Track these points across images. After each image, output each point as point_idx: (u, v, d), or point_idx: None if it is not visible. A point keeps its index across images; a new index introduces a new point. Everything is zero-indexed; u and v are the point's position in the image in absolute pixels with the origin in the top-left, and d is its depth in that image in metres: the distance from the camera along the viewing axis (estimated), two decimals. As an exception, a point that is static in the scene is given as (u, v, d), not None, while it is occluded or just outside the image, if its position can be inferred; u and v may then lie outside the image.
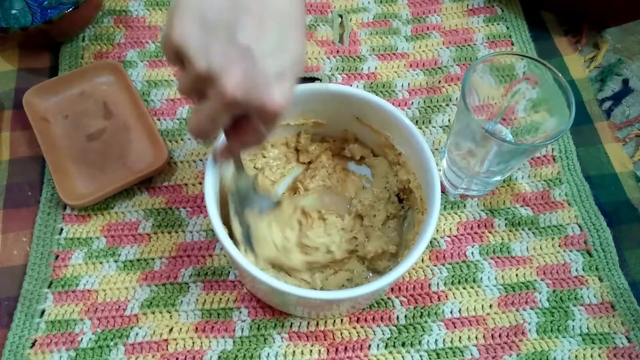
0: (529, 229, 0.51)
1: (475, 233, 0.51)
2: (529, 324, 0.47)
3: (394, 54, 0.61)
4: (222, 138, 0.42)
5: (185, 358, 0.45)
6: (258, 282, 0.37)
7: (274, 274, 0.45)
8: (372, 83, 0.59)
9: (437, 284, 0.48)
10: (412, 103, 0.58)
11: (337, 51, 0.61)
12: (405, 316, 0.47)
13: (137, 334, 0.45)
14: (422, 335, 0.46)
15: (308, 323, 0.46)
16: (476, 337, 0.46)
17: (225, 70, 0.30)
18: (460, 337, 0.46)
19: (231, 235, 0.42)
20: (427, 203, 0.42)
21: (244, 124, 0.35)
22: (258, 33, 0.30)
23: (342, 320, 0.47)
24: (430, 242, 0.50)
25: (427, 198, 0.42)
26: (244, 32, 0.30)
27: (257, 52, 0.30)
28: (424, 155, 0.43)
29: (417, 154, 0.44)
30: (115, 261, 0.49)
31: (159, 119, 0.56)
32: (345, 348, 0.46)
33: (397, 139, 0.46)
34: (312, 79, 0.59)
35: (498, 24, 0.63)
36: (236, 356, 0.45)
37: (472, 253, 0.50)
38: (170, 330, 0.46)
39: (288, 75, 0.32)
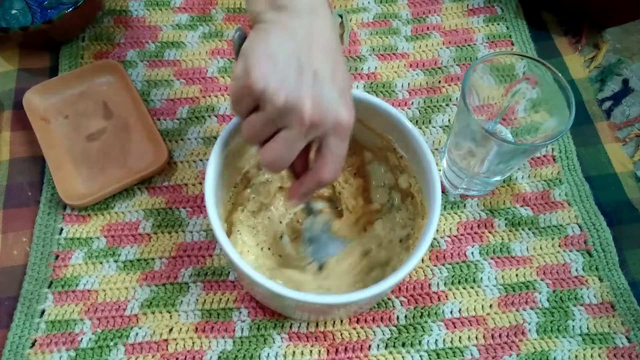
0: (529, 229, 0.51)
1: (475, 233, 0.51)
2: (529, 324, 0.47)
3: (394, 54, 0.61)
4: (225, 131, 0.42)
5: (185, 358, 0.45)
6: (256, 284, 0.37)
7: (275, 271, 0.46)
8: (372, 83, 0.59)
9: (437, 284, 0.48)
10: (412, 103, 0.58)
11: (337, 51, 0.61)
12: (406, 316, 0.47)
13: (137, 334, 0.45)
14: (422, 336, 0.46)
15: (308, 324, 0.46)
16: (476, 337, 0.46)
17: (303, 97, 0.33)
18: (460, 337, 0.46)
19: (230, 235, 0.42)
20: (428, 207, 0.42)
21: (320, 157, 0.37)
22: (319, 59, 0.34)
23: (342, 321, 0.47)
24: (430, 242, 0.50)
25: (427, 202, 0.42)
26: (309, 61, 0.34)
27: (323, 76, 0.34)
28: (425, 159, 0.42)
29: (419, 157, 0.43)
30: (115, 261, 0.49)
31: (159, 119, 0.56)
32: (346, 349, 0.46)
33: (398, 142, 0.46)
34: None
35: (498, 24, 0.63)
36: (236, 356, 0.45)
37: (472, 253, 0.50)
38: (170, 330, 0.46)
39: (347, 92, 0.36)
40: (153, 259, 0.49)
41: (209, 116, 0.56)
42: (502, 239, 0.51)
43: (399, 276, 0.38)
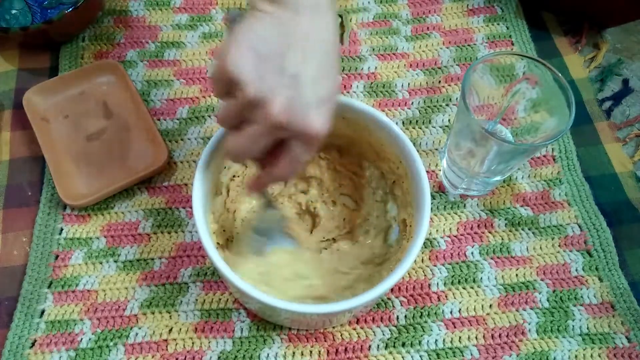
0: (529, 229, 0.51)
1: (475, 233, 0.51)
2: (529, 324, 0.47)
3: (394, 54, 0.61)
4: (213, 140, 0.42)
5: (185, 358, 0.45)
6: (247, 296, 0.37)
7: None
8: (372, 83, 0.59)
9: (437, 284, 0.48)
10: (412, 103, 0.58)
11: (337, 51, 0.61)
12: (405, 316, 0.47)
13: (136, 334, 0.45)
14: (422, 336, 0.46)
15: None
16: (476, 337, 0.46)
17: (273, 96, 0.32)
18: (460, 337, 0.46)
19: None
20: (414, 231, 0.41)
21: (281, 153, 0.36)
22: (303, 62, 0.33)
23: (342, 320, 0.47)
24: (430, 242, 0.50)
25: (415, 226, 0.42)
26: (291, 62, 0.33)
27: (303, 80, 0.33)
28: (407, 148, 0.43)
29: (409, 163, 0.43)
30: (115, 261, 0.49)
31: (159, 119, 0.56)
32: (346, 349, 0.45)
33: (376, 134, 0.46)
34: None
35: (498, 24, 0.63)
36: (235, 357, 0.45)
37: (472, 253, 0.50)
38: (170, 330, 0.46)
39: (327, 102, 0.35)
40: (153, 259, 0.49)
41: (209, 116, 0.56)
42: (502, 239, 0.51)
43: (381, 289, 0.38)
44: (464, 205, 0.52)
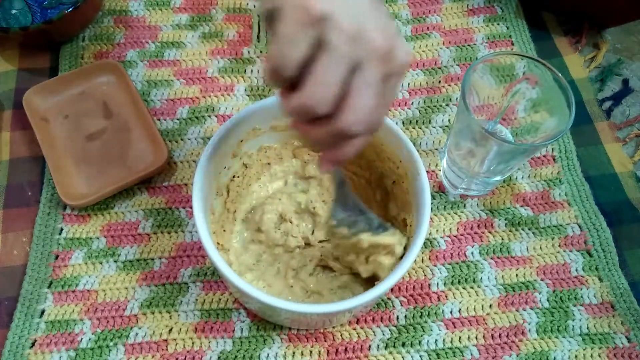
0: (529, 229, 0.51)
1: (475, 233, 0.51)
2: (529, 324, 0.47)
3: (394, 54, 0.61)
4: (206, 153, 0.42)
5: (185, 358, 0.45)
6: (247, 296, 0.37)
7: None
8: (372, 83, 0.59)
9: (437, 284, 0.48)
10: (412, 103, 0.58)
11: (337, 51, 0.61)
12: (405, 316, 0.47)
13: (136, 334, 0.45)
14: (422, 336, 0.46)
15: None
16: (476, 337, 0.46)
17: (369, 28, 0.29)
18: (460, 337, 0.46)
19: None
20: (414, 231, 0.41)
21: (358, 91, 0.30)
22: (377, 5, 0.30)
23: (342, 320, 0.47)
24: (430, 242, 0.50)
25: (415, 226, 0.42)
26: None
27: (382, 11, 0.30)
28: (407, 148, 0.43)
29: (409, 163, 0.43)
30: (115, 261, 0.49)
31: (159, 119, 0.56)
32: (346, 349, 0.45)
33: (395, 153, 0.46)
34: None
35: (498, 24, 0.63)
36: (235, 357, 0.45)
37: (472, 253, 0.50)
38: (170, 330, 0.46)
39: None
40: (153, 259, 0.49)
41: (209, 116, 0.56)
42: (502, 239, 0.51)
43: (383, 287, 0.37)
44: (464, 205, 0.52)
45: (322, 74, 0.28)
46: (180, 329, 0.46)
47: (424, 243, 0.48)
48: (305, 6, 0.28)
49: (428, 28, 0.63)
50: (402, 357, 0.45)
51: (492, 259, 0.50)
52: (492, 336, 0.46)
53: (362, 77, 0.29)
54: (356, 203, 0.42)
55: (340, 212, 0.42)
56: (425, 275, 0.49)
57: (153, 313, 0.46)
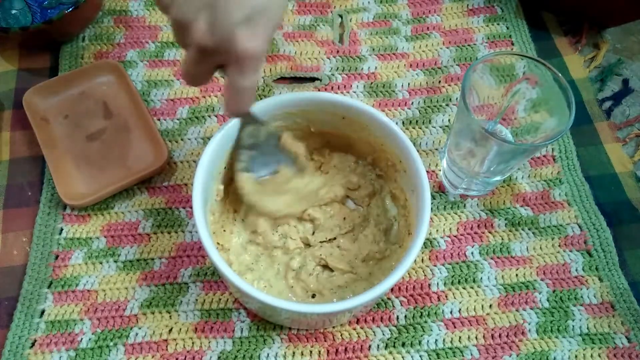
0: (529, 229, 0.51)
1: (475, 233, 0.51)
2: (529, 324, 0.47)
3: (394, 54, 0.61)
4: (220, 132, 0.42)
5: (185, 358, 0.45)
6: (247, 296, 0.37)
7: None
8: (372, 83, 0.59)
9: (437, 284, 0.48)
10: (412, 103, 0.58)
11: (337, 51, 0.61)
12: (405, 316, 0.47)
13: (136, 334, 0.45)
14: (422, 336, 0.46)
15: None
16: (476, 337, 0.46)
17: (193, 19, 0.31)
18: (460, 337, 0.46)
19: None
20: (414, 231, 0.41)
21: (225, 89, 0.36)
22: None
23: (342, 320, 0.47)
24: (430, 242, 0.50)
25: (415, 226, 0.42)
26: None
27: (219, 2, 0.31)
28: (407, 148, 0.43)
29: (409, 163, 0.43)
30: (115, 261, 0.49)
31: (159, 119, 0.56)
32: (346, 349, 0.45)
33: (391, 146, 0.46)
34: (312, 79, 0.59)
35: (498, 24, 0.63)
36: (235, 357, 0.45)
37: (472, 253, 0.50)
38: (170, 330, 0.46)
39: (257, 20, 0.32)
40: (153, 259, 0.49)
41: (209, 116, 0.56)
42: (502, 239, 0.51)
43: (383, 287, 0.37)
44: (464, 205, 0.52)
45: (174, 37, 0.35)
46: (180, 329, 0.46)
47: (424, 243, 0.48)
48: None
49: (428, 28, 0.63)
50: (402, 357, 0.45)
51: (492, 259, 0.50)
52: (492, 336, 0.46)
53: (188, 52, 0.34)
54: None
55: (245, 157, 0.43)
56: (425, 275, 0.49)
57: (153, 313, 0.46)
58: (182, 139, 0.55)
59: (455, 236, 0.51)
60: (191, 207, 0.39)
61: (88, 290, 0.47)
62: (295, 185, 0.46)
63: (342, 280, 0.46)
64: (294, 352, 0.45)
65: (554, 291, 0.48)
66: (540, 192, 0.53)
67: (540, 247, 0.50)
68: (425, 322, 0.47)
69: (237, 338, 0.46)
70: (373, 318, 0.47)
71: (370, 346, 0.46)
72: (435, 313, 0.47)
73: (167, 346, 0.45)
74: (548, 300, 0.48)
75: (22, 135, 0.55)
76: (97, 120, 0.55)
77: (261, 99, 0.45)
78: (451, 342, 0.46)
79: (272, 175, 0.45)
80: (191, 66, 0.35)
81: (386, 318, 0.47)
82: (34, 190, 0.52)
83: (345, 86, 0.59)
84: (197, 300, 0.47)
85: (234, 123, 0.43)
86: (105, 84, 0.57)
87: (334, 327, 0.46)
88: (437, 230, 0.51)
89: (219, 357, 0.45)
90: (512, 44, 0.62)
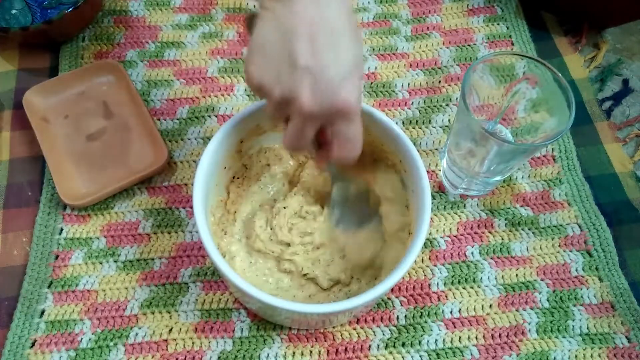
0: (529, 229, 0.51)
1: (475, 233, 0.51)
2: (529, 324, 0.47)
3: (394, 54, 0.61)
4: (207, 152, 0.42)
5: (185, 358, 0.45)
6: (248, 296, 0.37)
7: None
8: (372, 83, 0.59)
9: (437, 284, 0.48)
10: (412, 103, 0.58)
11: (337, 51, 0.61)
12: (405, 316, 0.47)
13: (136, 334, 0.45)
14: (422, 336, 0.46)
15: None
16: (476, 337, 0.46)
17: (297, 92, 0.33)
18: (460, 337, 0.46)
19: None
20: (414, 231, 0.41)
21: (334, 142, 0.37)
22: (312, 51, 0.33)
23: (342, 320, 0.47)
24: (430, 242, 0.50)
25: (415, 226, 0.42)
26: (300, 55, 0.33)
27: (316, 68, 0.33)
28: (409, 151, 0.43)
29: (409, 163, 0.43)
30: (115, 261, 0.49)
31: (159, 119, 0.56)
32: (346, 349, 0.45)
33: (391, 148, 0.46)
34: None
35: (498, 24, 0.63)
36: (236, 357, 0.45)
37: (472, 253, 0.50)
38: (170, 330, 0.46)
39: (352, 76, 0.35)
40: (153, 259, 0.49)
41: (209, 116, 0.56)
42: (502, 239, 0.51)
43: (385, 286, 0.37)
44: (464, 205, 0.52)
45: (269, 111, 0.37)
46: (180, 329, 0.46)
47: (424, 243, 0.47)
48: (246, 79, 0.36)
49: (428, 28, 0.63)
50: (402, 357, 0.45)
51: (492, 259, 0.50)
52: (492, 336, 0.46)
53: (292, 123, 0.36)
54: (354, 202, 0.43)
55: (338, 211, 0.44)
56: (425, 275, 0.49)
57: (153, 313, 0.46)
58: (182, 139, 0.55)
59: (455, 236, 0.51)
60: (191, 207, 0.40)
61: (88, 290, 0.47)
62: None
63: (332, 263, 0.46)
64: (294, 352, 0.45)
65: (554, 291, 0.48)
66: (540, 192, 0.53)
67: (540, 247, 0.50)
68: (425, 322, 0.47)
69: (237, 338, 0.46)
70: (373, 318, 0.47)
71: (370, 346, 0.46)
72: (435, 313, 0.47)
73: (167, 346, 0.45)
74: (548, 300, 0.48)
75: (22, 135, 0.55)
76: (97, 120, 0.55)
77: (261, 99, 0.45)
78: (451, 342, 0.46)
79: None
80: (300, 135, 0.36)
81: (386, 318, 0.47)
82: (34, 190, 0.52)
83: (345, 86, 0.58)
84: (197, 300, 0.47)
85: (233, 122, 0.43)
86: (105, 84, 0.57)
87: (334, 327, 0.46)
88: (437, 230, 0.51)
89: (219, 357, 0.45)
90: (512, 44, 0.62)
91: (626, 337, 0.46)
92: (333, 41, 0.34)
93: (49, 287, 0.47)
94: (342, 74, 0.34)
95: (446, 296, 0.48)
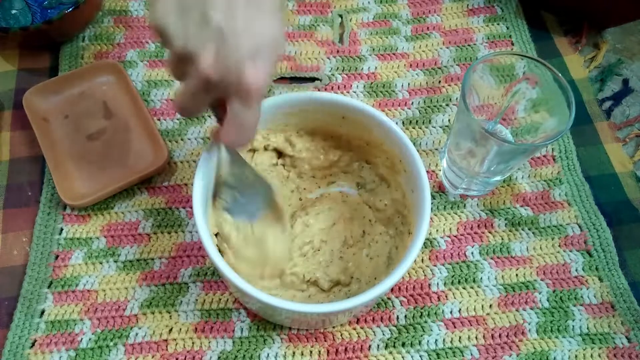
0: (529, 229, 0.51)
1: (475, 233, 0.51)
2: (529, 324, 0.47)
3: (394, 54, 0.61)
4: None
5: (185, 358, 0.45)
6: (248, 296, 0.37)
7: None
8: (372, 83, 0.59)
9: (437, 284, 0.48)
10: (412, 103, 0.58)
11: (337, 51, 0.61)
12: (405, 316, 0.47)
13: (136, 334, 0.45)
14: (422, 336, 0.46)
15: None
16: (476, 337, 0.46)
17: (200, 50, 0.31)
18: (460, 337, 0.46)
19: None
20: (414, 231, 0.41)
21: (225, 121, 0.35)
22: (229, 13, 0.31)
23: (342, 320, 0.47)
24: (430, 242, 0.50)
25: (415, 226, 0.42)
26: (215, 13, 0.31)
27: (228, 32, 0.31)
28: (409, 151, 0.43)
29: (409, 163, 0.43)
30: (115, 261, 0.49)
31: (159, 119, 0.56)
32: (346, 349, 0.46)
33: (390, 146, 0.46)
34: (312, 79, 0.59)
35: (498, 24, 0.63)
36: (236, 357, 0.45)
37: (472, 253, 0.50)
38: (170, 330, 0.46)
39: (262, 55, 0.32)
40: (153, 259, 0.49)
41: (209, 116, 0.56)
42: (502, 239, 0.51)
43: (383, 287, 0.37)
44: (464, 205, 0.52)
45: (168, 61, 0.34)
46: (180, 329, 0.46)
47: (424, 243, 0.48)
48: (151, 10, 0.33)
49: (428, 28, 0.63)
50: (402, 357, 0.45)
51: (492, 259, 0.50)
52: (492, 336, 0.46)
53: (187, 83, 0.34)
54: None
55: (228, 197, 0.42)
56: (425, 275, 0.49)
57: (153, 313, 0.46)
58: (182, 139, 0.55)
59: (455, 236, 0.51)
60: (191, 207, 0.39)
61: (88, 290, 0.47)
62: (270, 239, 0.44)
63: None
64: (294, 352, 0.45)
65: (554, 291, 0.48)
66: (540, 192, 0.53)
67: (540, 247, 0.50)
68: (425, 322, 0.47)
69: (237, 338, 0.46)
70: (373, 318, 0.47)
71: (370, 346, 0.46)
72: (435, 313, 0.47)
73: (167, 346, 0.45)
74: (548, 300, 0.48)
75: (22, 135, 0.55)
76: (97, 120, 0.55)
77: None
78: (451, 342, 0.46)
79: (249, 221, 0.44)
80: (189, 98, 0.34)
81: (386, 318, 0.47)
82: (34, 190, 0.52)
83: (345, 86, 0.59)
84: (197, 300, 0.47)
85: None
86: (105, 84, 0.57)
87: (334, 327, 0.46)
88: (437, 230, 0.51)
89: (219, 357, 0.45)
90: (512, 44, 0.62)
91: (626, 337, 0.46)
92: (251, 11, 0.32)
93: (49, 287, 0.47)
94: (253, 49, 0.32)
95: (446, 296, 0.48)
